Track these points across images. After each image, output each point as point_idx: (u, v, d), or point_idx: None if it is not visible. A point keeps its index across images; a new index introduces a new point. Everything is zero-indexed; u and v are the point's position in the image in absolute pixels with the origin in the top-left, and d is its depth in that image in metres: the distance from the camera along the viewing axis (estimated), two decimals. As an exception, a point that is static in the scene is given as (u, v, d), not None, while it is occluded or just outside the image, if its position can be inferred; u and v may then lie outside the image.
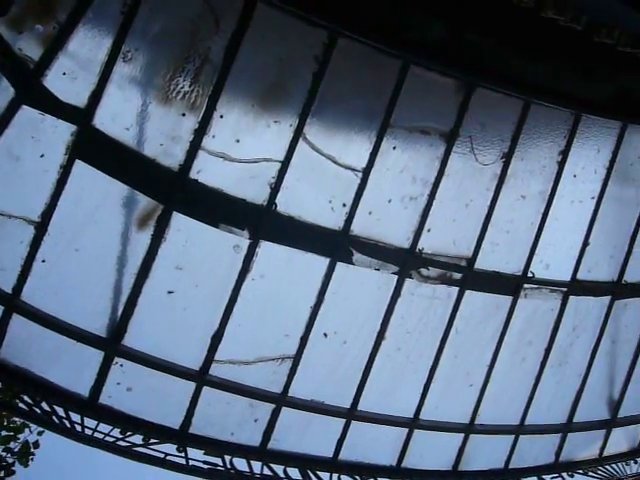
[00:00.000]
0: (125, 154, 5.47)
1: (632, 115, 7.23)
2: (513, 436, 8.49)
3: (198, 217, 5.84)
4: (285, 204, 6.06)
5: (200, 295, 6.18)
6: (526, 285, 7.49)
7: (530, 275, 7.43)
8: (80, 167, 5.50)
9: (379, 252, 6.56)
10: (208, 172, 5.75)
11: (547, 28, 5.90)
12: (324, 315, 6.56)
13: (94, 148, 5.46)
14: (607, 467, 9.54)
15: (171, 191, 5.71)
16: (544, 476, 9.07)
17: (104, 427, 6.40)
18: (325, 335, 6.71)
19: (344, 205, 6.26)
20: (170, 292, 6.05)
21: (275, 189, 5.98)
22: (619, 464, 9.63)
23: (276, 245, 6.17)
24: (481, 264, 7.10)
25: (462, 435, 8.05)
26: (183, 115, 5.55)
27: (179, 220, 5.81)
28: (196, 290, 6.12)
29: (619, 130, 7.34)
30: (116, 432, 6.46)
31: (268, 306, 6.43)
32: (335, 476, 7.45)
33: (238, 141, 5.76)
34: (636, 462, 9.83)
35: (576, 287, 7.86)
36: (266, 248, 6.14)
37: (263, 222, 6.03)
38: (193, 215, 5.81)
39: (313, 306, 6.51)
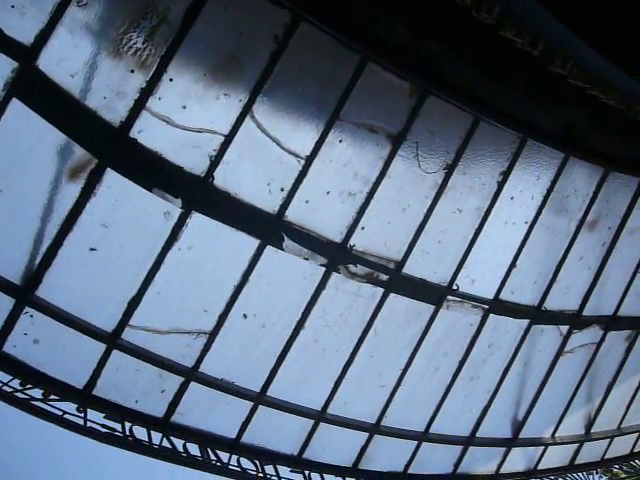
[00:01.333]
0: (66, 101, 5.31)
1: (575, 148, 7.43)
2: (416, 442, 8.64)
3: (132, 177, 5.72)
4: (223, 179, 6.00)
5: (123, 257, 6.06)
6: (450, 297, 7.62)
7: (455, 288, 7.57)
8: (17, 106, 5.30)
9: (310, 242, 6.56)
10: (149, 134, 5.64)
11: (505, 49, 6.00)
12: (246, 296, 6.53)
13: (34, 89, 5.28)
14: (502, 484, 9.81)
15: (108, 147, 5.58)
16: (440, 485, 9.27)
17: (4, 376, 6.22)
18: (245, 316, 6.68)
19: (282, 190, 6.24)
20: (92, 249, 5.92)
21: (215, 162, 5.91)
22: (513, 483, 9.92)
23: (208, 219, 6.11)
24: (409, 269, 7.19)
25: (367, 434, 8.15)
26: (132, 72, 5.43)
27: (112, 177, 5.68)
28: (119, 251, 6.00)
29: (561, 161, 7.54)
30: (16, 383, 6.28)
31: (191, 279, 6.35)
32: (235, 458, 7.43)
33: (184, 107, 5.67)
34: (530, 483, 10.15)
35: (497, 306, 8.04)
36: (197, 220, 6.07)
37: (198, 193, 5.96)
38: (127, 175, 5.69)
39: (236, 285, 6.47)
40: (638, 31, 5.79)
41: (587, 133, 7.46)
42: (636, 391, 10.82)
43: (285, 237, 6.42)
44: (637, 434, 11.55)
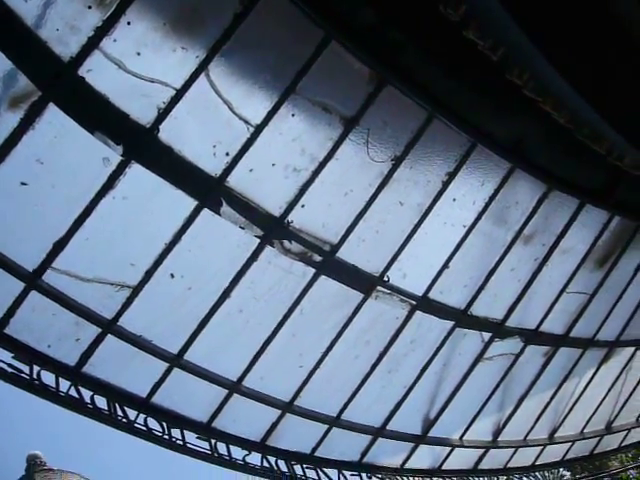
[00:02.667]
0: (15, 25, 5.11)
1: (521, 161, 7.57)
2: (327, 426, 8.71)
3: (74, 117, 5.56)
4: (168, 133, 5.90)
5: (55, 197, 5.91)
6: (380, 288, 7.70)
7: (386, 279, 7.64)
8: (-37, 25, 5.11)
9: (248, 211, 6.53)
10: (98, 75, 5.48)
11: (467, 50, 6.07)
12: (176, 256, 6.45)
13: (-17, 9, 5.09)
14: (404, 478, 9.99)
15: (54, 81, 5.41)
16: (345, 472, 9.38)
17: None
18: (172, 276, 6.61)
19: (227, 154, 6.18)
20: (24, 184, 5.74)
21: (163, 115, 5.80)
22: (412, 477, 10.11)
23: (147, 171, 6.00)
24: (343, 254, 7.23)
25: (279, 412, 8.18)
26: (89, 8, 5.26)
27: (54, 113, 5.51)
28: (52, 190, 5.85)
29: (507, 171, 7.69)
30: None
31: (122, 230, 6.25)
32: (142, 417, 7.36)
33: (139, 54, 5.54)
34: (432, 481, 10.37)
35: (425, 304, 8.17)
36: (136, 171, 5.95)
37: (141, 143, 5.84)
38: (70, 113, 5.53)
39: (168, 243, 6.39)
40: (597, 55, 5.93)
41: (535, 148, 7.61)
42: (546, 406, 11.14)
43: (223, 202, 6.36)
44: (541, 447, 11.91)
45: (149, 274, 6.48)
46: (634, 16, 5.62)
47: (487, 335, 9.18)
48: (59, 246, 6.06)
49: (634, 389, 12.81)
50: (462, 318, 8.67)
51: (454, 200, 7.52)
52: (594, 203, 8.58)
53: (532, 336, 9.68)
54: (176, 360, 7.13)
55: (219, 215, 6.41)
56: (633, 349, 11.89)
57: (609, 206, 8.76)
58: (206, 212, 6.36)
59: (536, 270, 8.92)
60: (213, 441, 7.88)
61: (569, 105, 6.35)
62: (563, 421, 11.96)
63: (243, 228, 6.60)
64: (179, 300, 6.80)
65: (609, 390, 12.23)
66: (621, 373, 12.14)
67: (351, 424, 8.91)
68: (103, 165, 5.85)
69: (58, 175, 5.84)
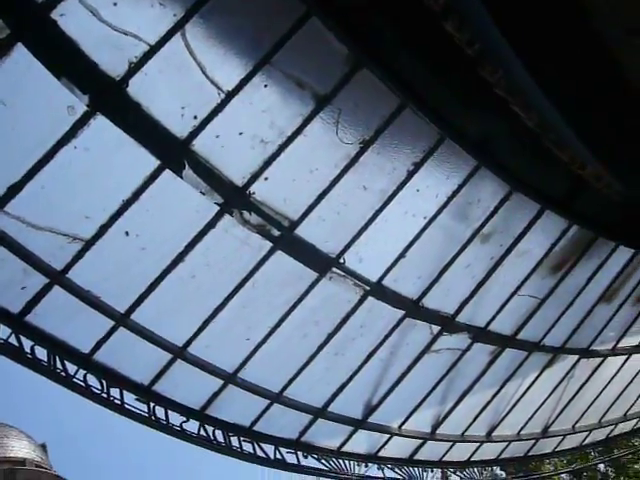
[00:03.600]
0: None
1: (487, 159, 7.64)
2: (268, 401, 8.75)
3: (43, 60, 5.41)
4: (138, 89, 5.80)
5: (13, 140, 5.77)
6: (335, 269, 7.73)
7: (342, 261, 7.68)
8: None
9: (211, 177, 6.48)
10: (71, 20, 5.35)
11: (445, 43, 6.09)
12: (133, 214, 6.37)
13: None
14: (340, 461, 10.10)
15: (24, 21, 5.28)
16: (281, 448, 9.46)
17: None
18: (127, 234, 6.53)
19: (195, 117, 6.11)
20: (-18, 122, 5.61)
21: (133, 70, 5.69)
22: (351, 462, 10.24)
23: (113, 125, 5.88)
24: (302, 231, 7.23)
25: (222, 382, 8.18)
26: (67, -49, 5.15)
27: (22, 54, 5.34)
28: (10, 132, 5.72)
29: (472, 168, 7.76)
30: None
31: (80, 181, 6.16)
32: (82, 372, 7.29)
33: (115, 5, 5.42)
34: (367, 465, 10.51)
35: (378, 290, 8.23)
36: (101, 123, 5.83)
37: (108, 96, 5.74)
38: (38, 55, 5.38)
39: (126, 201, 6.29)
40: (569, 63, 6.00)
41: (503, 148, 7.70)
42: (486, 404, 11.36)
43: (186, 165, 6.30)
44: (477, 444, 12.14)
45: (104, 229, 6.39)
46: (612, 33, 5.69)
47: (436, 328, 9.31)
48: (14, 190, 5.91)
49: (573, 397, 13.12)
50: (413, 309, 8.77)
51: (417, 191, 7.57)
52: (554, 210, 8.72)
53: (480, 334, 9.84)
54: (123, 319, 7.06)
55: (181, 178, 6.35)
56: (577, 357, 12.16)
57: (569, 215, 8.92)
58: (168, 173, 6.29)
59: (491, 269, 9.05)
60: (152, 404, 7.85)
61: (538, 108, 6.42)
62: (501, 421, 12.20)
63: (204, 194, 6.55)
64: (132, 259, 6.75)
65: (549, 395, 12.51)
66: (563, 380, 12.42)
67: (293, 402, 8.97)
68: (67, 113, 5.73)
69: (20, 118, 5.71)
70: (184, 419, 8.24)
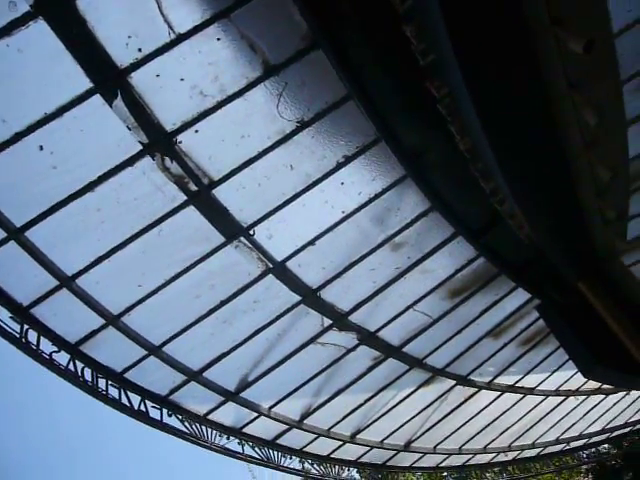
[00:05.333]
0: None
1: (416, 173, 7.78)
2: (146, 352, 8.67)
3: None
4: (87, 6, 5.59)
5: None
6: (243, 239, 7.72)
7: (252, 233, 7.67)
8: None
9: (141, 115, 6.33)
10: None
11: (402, 46, 6.15)
12: (51, 130, 6.14)
13: None
14: (203, 427, 10.12)
15: None
16: (148, 401, 9.38)
17: None
18: (41, 148, 6.30)
19: (140, 50, 5.96)
20: None
21: (86, -16, 5.51)
22: (213, 431, 10.27)
23: (53, 34, 5.66)
24: (219, 193, 7.19)
25: (103, 321, 8.04)
26: None
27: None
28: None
29: (400, 177, 7.89)
30: None
31: (3, 81, 5.89)
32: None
33: None
34: (228, 438, 10.56)
35: (280, 270, 8.28)
36: (41, 29, 5.59)
37: (55, 2, 5.52)
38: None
39: (47, 115, 6.07)
40: (513, 102, 6.16)
41: (433, 165, 7.84)
42: (358, 406, 11.62)
43: (119, 96, 6.14)
44: (340, 442, 12.41)
45: (18, 137, 6.14)
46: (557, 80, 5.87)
47: (328, 321, 9.44)
48: None
49: (442, 419, 13.60)
50: (310, 297, 8.86)
51: (342, 184, 7.64)
52: (466, 237, 8.98)
53: (368, 337, 10.05)
54: (16, 233, 6.82)
55: (110, 107, 6.18)
56: (454, 382, 12.59)
57: (478, 245, 9.18)
58: (98, 99, 6.11)
59: (394, 278, 9.25)
60: (26, 326, 7.63)
61: (473, 135, 6.58)
62: (369, 425, 12.51)
63: (130, 129, 6.40)
64: (40, 175, 6.50)
65: (419, 412, 12.91)
66: (436, 401, 12.84)
67: (170, 359, 8.92)
68: (8, 8, 5.49)
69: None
70: (56, 349, 8.06)
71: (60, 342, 8.07)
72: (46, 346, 8.02)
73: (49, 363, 8.05)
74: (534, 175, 6.57)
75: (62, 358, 8.17)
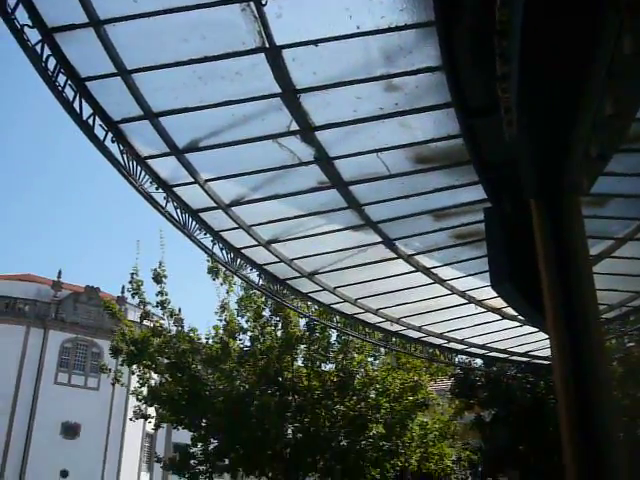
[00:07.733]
0: None
1: (443, 21, 7.47)
2: (115, 70, 8.40)
3: None
4: None
5: None
6: (252, 4, 7.39)
7: (263, 2, 7.34)
8: None
9: None
10: None
11: None
12: None
13: None
14: (139, 168, 10.22)
15: None
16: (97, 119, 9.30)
17: None
18: None
19: None
20: None
21: None
22: (144, 172, 10.37)
23: None
24: None
25: (87, 19, 7.73)
26: None
27: None
28: None
29: (428, 20, 7.60)
30: None
31: None
32: None
33: None
34: (157, 189, 10.73)
35: (273, 54, 8.04)
36: None
37: None
38: None
39: None
40: None
41: (463, 25, 7.55)
42: (285, 219, 11.95)
43: None
44: (256, 243, 12.84)
45: None
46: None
47: (295, 127, 9.36)
48: None
49: (353, 267, 14.17)
50: (290, 95, 8.67)
51: (370, -2, 7.33)
52: (458, 111, 8.81)
53: (325, 160, 10.11)
54: None
55: None
56: (379, 240, 13.03)
57: (465, 125, 9.07)
58: None
59: (374, 116, 9.21)
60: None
61: (513, 7, 6.34)
62: (287, 241, 12.97)
63: None
64: None
65: (336, 251, 13.40)
66: (355, 247, 13.33)
67: (135, 89, 8.68)
68: None
69: None
70: (29, 24, 7.74)
71: (36, 20, 7.73)
72: (22, 17, 7.68)
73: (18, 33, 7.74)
74: (548, 78, 6.45)
75: (33, 36, 7.87)
